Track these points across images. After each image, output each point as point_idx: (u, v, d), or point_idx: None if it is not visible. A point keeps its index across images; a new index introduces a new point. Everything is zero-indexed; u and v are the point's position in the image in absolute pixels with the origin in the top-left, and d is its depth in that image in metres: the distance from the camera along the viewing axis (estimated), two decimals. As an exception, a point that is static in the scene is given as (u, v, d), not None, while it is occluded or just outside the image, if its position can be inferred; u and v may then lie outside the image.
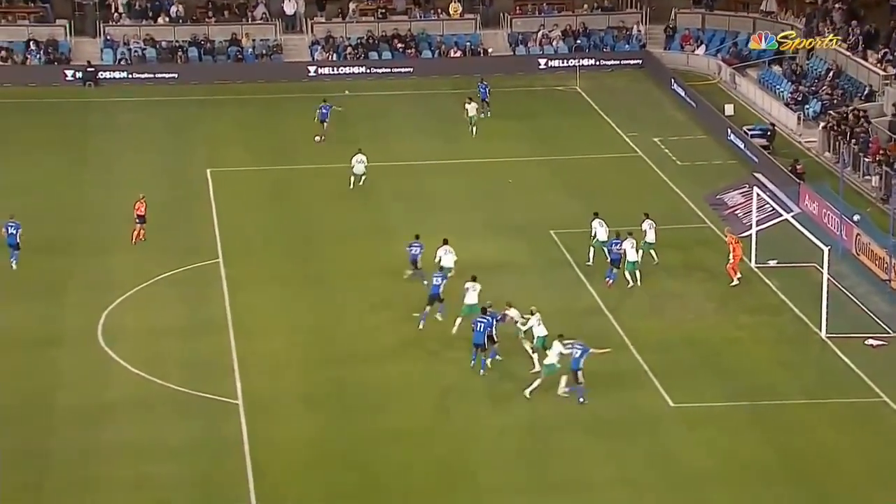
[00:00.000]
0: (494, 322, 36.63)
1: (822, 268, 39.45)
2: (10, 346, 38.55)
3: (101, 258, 44.63)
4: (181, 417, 34.56)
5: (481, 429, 34.07)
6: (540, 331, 36.50)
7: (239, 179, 53.26)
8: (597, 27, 71.82)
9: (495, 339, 36.78)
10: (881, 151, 51.84)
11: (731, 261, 42.36)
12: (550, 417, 34.47)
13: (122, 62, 68.16)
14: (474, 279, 38.69)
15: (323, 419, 34.57)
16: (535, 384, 35.16)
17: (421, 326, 38.91)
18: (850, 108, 56.51)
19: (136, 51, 68.62)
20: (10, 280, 42.91)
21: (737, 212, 48.65)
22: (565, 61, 68.99)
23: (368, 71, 68.39)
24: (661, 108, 63.26)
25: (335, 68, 68.23)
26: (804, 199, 48.92)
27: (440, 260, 41.13)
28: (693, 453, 33.06)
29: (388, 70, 68.56)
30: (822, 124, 56.90)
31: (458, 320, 38.14)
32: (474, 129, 57.44)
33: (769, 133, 57.26)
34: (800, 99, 59.97)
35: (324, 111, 56.58)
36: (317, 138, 55.34)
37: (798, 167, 52.11)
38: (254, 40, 69.54)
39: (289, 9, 71.43)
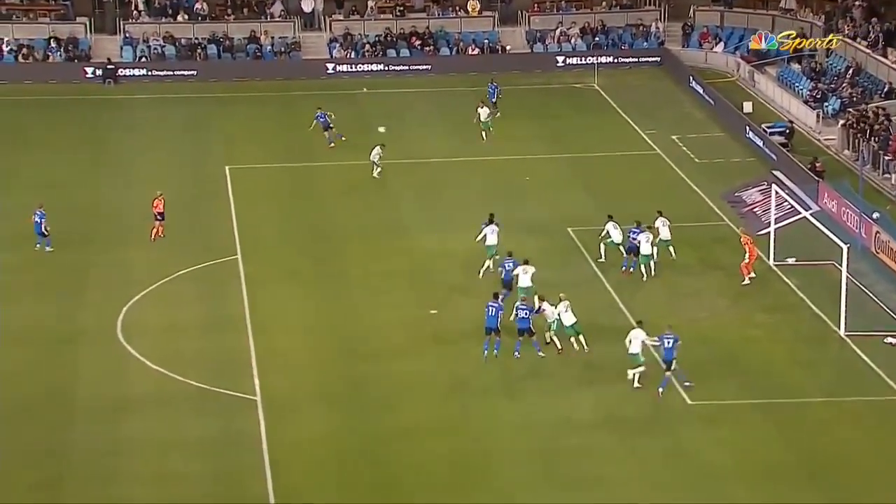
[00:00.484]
0: (531, 314, 36.70)
1: (841, 266, 39.33)
2: (31, 341, 38.70)
3: (119, 255, 44.77)
4: (199, 413, 34.67)
5: (498, 425, 34.07)
6: (568, 318, 36.58)
7: (257, 177, 53.35)
8: (615, 24, 71.75)
9: (533, 330, 36.86)
10: (901, 149, 51.78)
11: (747, 260, 42.29)
12: (567, 413, 34.48)
13: (141, 59, 68.39)
14: (527, 262, 39.37)
15: (340, 415, 34.63)
16: (638, 372, 35.11)
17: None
18: (870, 105, 56.36)
19: (155, 48, 68.83)
20: (30, 277, 43.12)
21: (755, 209, 48.54)
22: (583, 59, 68.87)
23: (386, 68, 68.44)
24: (680, 105, 63.15)
25: (353, 66, 68.31)
26: (823, 196, 48.77)
27: (485, 238, 42.09)
28: (710, 451, 33.01)
29: (406, 67, 68.60)
30: (841, 122, 56.71)
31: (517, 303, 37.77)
32: (485, 133, 56.55)
33: (788, 131, 57.07)
34: (819, 96, 59.77)
35: (322, 119, 55.37)
36: (331, 145, 55.21)
37: (817, 165, 51.97)
38: (272, 38, 69.68)
39: (307, 6, 71.54)
